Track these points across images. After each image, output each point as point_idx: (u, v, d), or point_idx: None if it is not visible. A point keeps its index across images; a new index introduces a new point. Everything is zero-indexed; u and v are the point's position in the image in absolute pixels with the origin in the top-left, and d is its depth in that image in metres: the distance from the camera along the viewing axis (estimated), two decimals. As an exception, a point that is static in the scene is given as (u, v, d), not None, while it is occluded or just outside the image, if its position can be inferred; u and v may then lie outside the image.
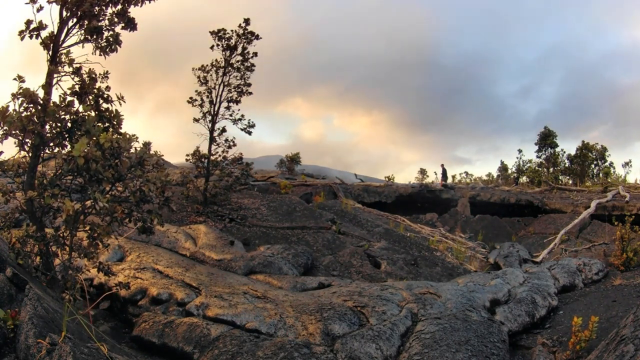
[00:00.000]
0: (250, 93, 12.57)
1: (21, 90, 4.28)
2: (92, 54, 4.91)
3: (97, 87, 4.81)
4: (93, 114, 4.68)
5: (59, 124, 4.50)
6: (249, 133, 12.53)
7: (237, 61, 12.37)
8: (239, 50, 12.33)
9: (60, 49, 4.69)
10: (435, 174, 22.63)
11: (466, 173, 33.57)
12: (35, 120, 4.32)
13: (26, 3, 4.46)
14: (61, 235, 4.60)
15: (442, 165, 22.22)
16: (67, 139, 4.59)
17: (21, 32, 4.50)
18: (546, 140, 29.81)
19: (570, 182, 28.18)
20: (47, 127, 4.51)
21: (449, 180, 23.59)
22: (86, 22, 4.76)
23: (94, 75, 4.82)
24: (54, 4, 4.54)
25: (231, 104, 12.46)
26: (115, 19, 4.97)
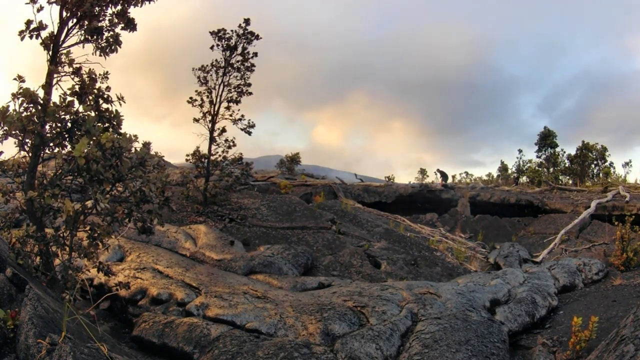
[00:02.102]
0: (250, 93, 12.57)
1: (21, 90, 4.28)
2: (92, 54, 4.91)
3: (97, 87, 4.81)
4: (93, 114, 4.68)
5: (59, 124, 4.50)
6: (249, 133, 12.53)
7: (237, 61, 12.38)
8: (239, 50, 12.33)
9: (60, 49, 4.69)
10: (436, 174, 22.99)
11: (466, 173, 33.59)
12: (35, 120, 4.32)
13: (26, 3, 4.47)
14: (61, 235, 4.60)
15: (438, 170, 22.58)
16: (67, 139, 4.59)
17: (21, 32, 4.50)
18: (546, 140, 29.80)
19: (570, 182, 28.17)
20: (47, 127, 4.51)
21: (449, 180, 23.65)
22: (86, 22, 4.77)
23: (94, 76, 4.82)
24: (54, 4, 4.54)
25: (231, 104, 12.47)
26: (115, 20, 4.97)
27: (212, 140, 12.44)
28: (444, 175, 22.48)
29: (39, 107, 4.36)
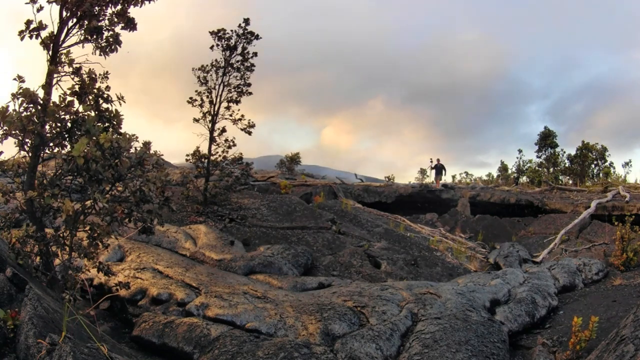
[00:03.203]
0: (250, 93, 12.57)
1: (21, 90, 4.28)
2: (92, 54, 4.91)
3: (97, 87, 4.81)
4: (93, 114, 4.67)
5: (59, 124, 4.50)
6: (249, 133, 12.53)
7: (237, 61, 12.38)
8: (239, 50, 12.33)
9: (60, 49, 4.69)
10: (431, 165, 21.63)
11: (466, 173, 33.59)
12: (35, 120, 4.32)
13: (26, 3, 4.46)
14: (61, 235, 4.59)
15: (435, 163, 21.41)
16: (67, 139, 4.58)
17: (21, 32, 4.50)
18: (546, 140, 29.82)
19: (570, 182, 28.16)
20: (47, 127, 4.50)
21: (449, 180, 23.62)
22: (86, 22, 4.76)
23: (93, 75, 4.81)
24: (54, 4, 4.54)
25: (231, 104, 12.47)
26: (115, 19, 4.97)
27: (212, 140, 12.44)
28: (438, 170, 20.90)
29: (39, 107, 4.36)
